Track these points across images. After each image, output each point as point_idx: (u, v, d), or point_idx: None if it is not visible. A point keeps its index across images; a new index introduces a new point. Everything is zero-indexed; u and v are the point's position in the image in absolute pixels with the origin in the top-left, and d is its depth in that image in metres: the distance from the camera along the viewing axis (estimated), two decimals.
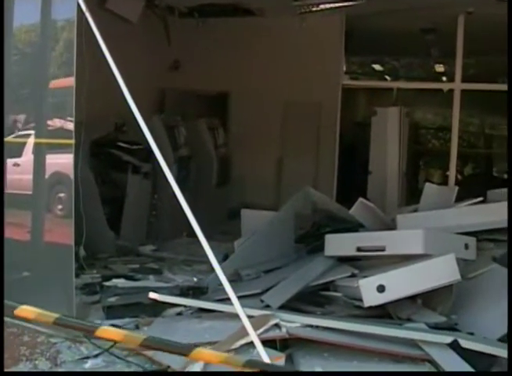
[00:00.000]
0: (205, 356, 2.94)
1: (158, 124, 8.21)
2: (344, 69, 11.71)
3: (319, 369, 3.94)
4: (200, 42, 10.57)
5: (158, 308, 5.02)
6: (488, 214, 5.98)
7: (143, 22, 9.31)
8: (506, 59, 12.81)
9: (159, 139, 7.90)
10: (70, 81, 4.68)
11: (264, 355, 2.95)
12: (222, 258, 6.35)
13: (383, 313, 4.75)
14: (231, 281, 5.70)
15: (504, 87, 11.34)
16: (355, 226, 6.32)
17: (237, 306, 3.10)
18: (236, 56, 10.60)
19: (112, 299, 5.32)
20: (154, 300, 4.90)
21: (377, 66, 14.42)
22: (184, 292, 5.50)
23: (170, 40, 10.27)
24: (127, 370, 4.04)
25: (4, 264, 4.46)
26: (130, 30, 8.91)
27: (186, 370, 3.69)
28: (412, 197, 7.94)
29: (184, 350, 2.91)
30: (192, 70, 10.65)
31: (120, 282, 5.84)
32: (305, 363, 4.02)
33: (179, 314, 5.00)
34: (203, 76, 10.63)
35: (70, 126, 4.77)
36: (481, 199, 6.30)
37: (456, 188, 6.91)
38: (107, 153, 7.61)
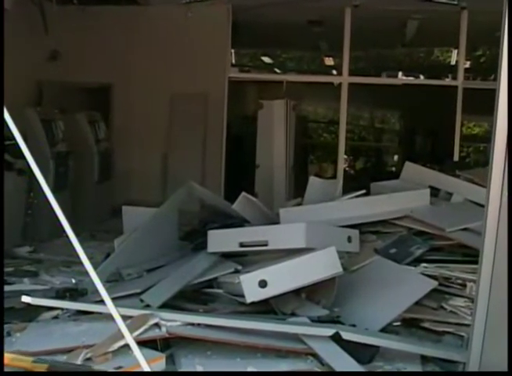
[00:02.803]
0: None
1: (33, 117, 7.98)
2: (233, 61, 11.83)
3: (200, 368, 3.98)
4: (81, 31, 10.33)
5: (33, 312, 4.88)
6: (370, 206, 6.21)
7: (17, 8, 8.98)
8: (390, 54, 13.34)
9: (35, 133, 7.77)
10: None
11: (139, 356, 2.93)
12: (104, 258, 6.28)
13: (267, 309, 4.84)
14: (112, 281, 5.72)
15: (390, 81, 11.94)
16: (241, 222, 6.39)
17: (110, 306, 3.06)
18: (120, 46, 10.46)
19: None
20: (28, 304, 4.76)
21: (267, 59, 14.65)
22: (61, 294, 5.38)
23: (47, 28, 9.95)
24: None
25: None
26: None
27: None
28: (299, 191, 8.11)
29: None
30: (72, 60, 10.40)
31: None
32: (187, 363, 4.04)
33: (56, 318, 4.89)
34: (84, 67, 10.42)
35: None
36: (363, 192, 6.53)
37: (341, 181, 7.14)
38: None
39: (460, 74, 10.62)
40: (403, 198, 6.35)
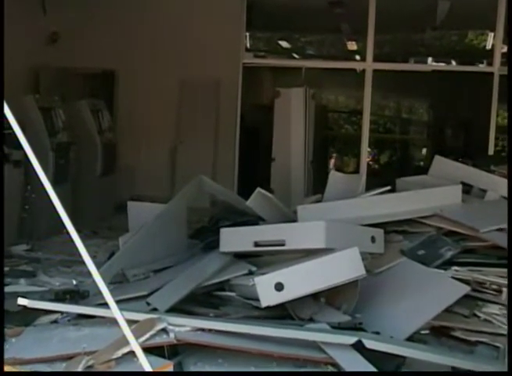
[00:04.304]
0: None
1: (31, 105, 8.03)
2: (248, 45, 11.82)
3: None
4: (82, 12, 10.38)
5: (29, 316, 4.90)
6: (396, 204, 6.18)
7: None
8: (419, 38, 13.29)
9: (33, 122, 7.81)
10: None
11: (145, 364, 2.94)
12: (108, 257, 6.31)
13: (283, 314, 4.83)
14: (116, 282, 5.74)
15: (418, 67, 11.90)
16: (255, 220, 6.39)
17: (114, 310, 3.07)
18: (125, 28, 10.50)
19: None
20: (24, 307, 4.78)
21: (284, 43, 14.61)
22: (60, 297, 5.41)
23: (45, 8, 9.99)
24: None
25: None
26: None
27: None
28: (319, 186, 8.10)
29: None
30: (72, 44, 10.47)
31: None
32: (196, 371, 4.06)
33: (54, 322, 4.91)
34: (85, 51, 10.49)
35: None
36: (388, 188, 6.50)
37: (364, 176, 7.11)
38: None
39: (497, 60, 10.56)
40: (432, 195, 6.32)
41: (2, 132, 4.95)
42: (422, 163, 14.93)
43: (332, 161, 14.92)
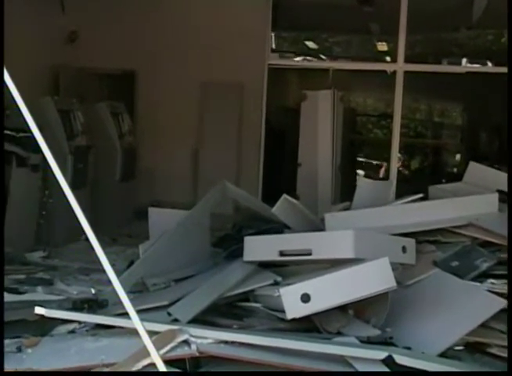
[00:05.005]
0: None
1: (50, 107, 8.08)
2: (273, 46, 11.84)
3: None
4: (102, 10, 10.45)
5: (47, 325, 4.94)
6: (428, 212, 6.14)
7: None
8: (453, 37, 13.18)
9: (51, 125, 7.87)
10: None
11: None
12: (127, 266, 6.34)
13: (310, 327, 4.82)
14: (136, 292, 5.76)
15: (452, 69, 11.82)
16: (280, 228, 6.39)
17: (135, 320, 3.08)
18: (146, 28, 10.55)
19: None
20: (41, 316, 4.81)
21: (311, 44, 14.61)
22: (78, 306, 5.44)
23: (64, 6, 10.07)
24: None
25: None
26: None
27: None
28: (347, 193, 8.09)
29: None
30: (92, 44, 10.54)
31: None
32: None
33: (72, 332, 4.94)
34: (105, 51, 10.55)
35: None
36: (420, 195, 6.47)
37: (394, 183, 7.07)
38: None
39: None
40: (467, 203, 6.28)
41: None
42: (455, 169, 14.84)
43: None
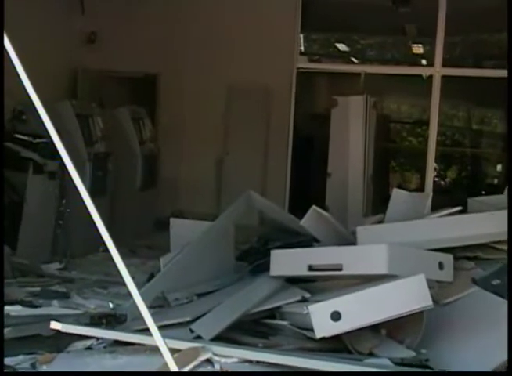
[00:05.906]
0: None
1: (68, 112, 8.16)
2: (302, 49, 11.85)
3: None
4: (123, 11, 10.53)
5: (62, 341, 4.96)
6: (467, 226, 6.09)
7: None
8: (495, 39, 13.08)
9: (69, 130, 7.94)
10: None
11: None
12: (147, 279, 6.36)
13: (340, 346, 4.80)
14: (156, 307, 5.77)
15: (493, 73, 11.74)
16: (309, 241, 6.37)
17: (157, 337, 3.09)
18: (168, 30, 10.60)
19: None
20: (57, 331, 4.85)
21: (342, 46, 14.60)
22: (96, 321, 5.46)
23: (84, 7, 10.17)
24: None
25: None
26: None
27: None
28: (380, 205, 8.06)
29: None
30: (112, 45, 10.62)
31: (14, 309, 5.74)
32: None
33: (89, 348, 4.96)
34: (126, 54, 10.62)
35: None
36: (459, 208, 6.43)
37: (430, 194, 7.02)
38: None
39: None
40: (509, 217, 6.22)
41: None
42: (496, 180, 14.72)
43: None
